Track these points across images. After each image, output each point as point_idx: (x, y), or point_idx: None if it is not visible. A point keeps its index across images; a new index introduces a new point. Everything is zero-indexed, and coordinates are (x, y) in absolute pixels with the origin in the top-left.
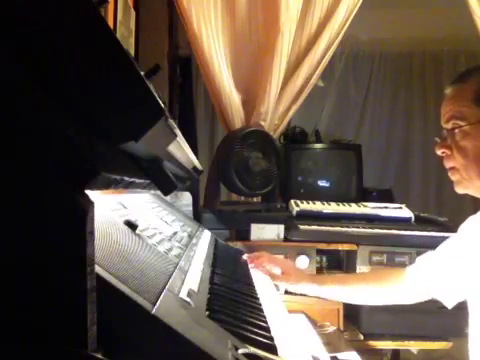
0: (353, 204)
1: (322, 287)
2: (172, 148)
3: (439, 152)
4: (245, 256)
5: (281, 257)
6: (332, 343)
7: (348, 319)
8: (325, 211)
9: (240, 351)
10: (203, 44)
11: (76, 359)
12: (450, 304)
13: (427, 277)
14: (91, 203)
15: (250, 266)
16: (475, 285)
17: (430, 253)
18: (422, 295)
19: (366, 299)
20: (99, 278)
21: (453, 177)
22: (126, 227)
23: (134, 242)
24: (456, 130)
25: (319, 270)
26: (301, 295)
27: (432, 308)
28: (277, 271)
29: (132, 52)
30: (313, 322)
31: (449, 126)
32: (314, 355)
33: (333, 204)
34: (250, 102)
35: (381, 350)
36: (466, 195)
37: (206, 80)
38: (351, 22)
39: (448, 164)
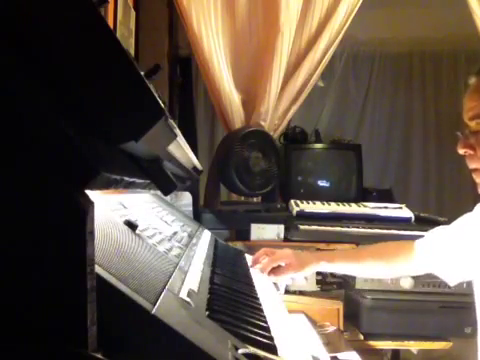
0: (353, 204)
1: (332, 264)
2: (172, 148)
3: (461, 151)
4: (248, 259)
5: (280, 251)
6: (332, 343)
7: (348, 319)
8: (325, 211)
9: (240, 351)
10: (203, 44)
11: (76, 359)
12: (452, 282)
13: (434, 253)
14: (91, 203)
15: (255, 268)
16: None
17: (440, 228)
18: (425, 269)
19: (376, 274)
20: (99, 278)
21: (477, 179)
22: (126, 227)
23: (134, 242)
24: None
25: (319, 271)
26: (301, 294)
27: (432, 308)
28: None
29: (132, 52)
30: (313, 322)
31: (473, 125)
32: (314, 355)
33: (333, 204)
34: (250, 102)
35: (381, 350)
36: (466, 195)
37: (206, 80)
38: (351, 22)
39: (471, 165)
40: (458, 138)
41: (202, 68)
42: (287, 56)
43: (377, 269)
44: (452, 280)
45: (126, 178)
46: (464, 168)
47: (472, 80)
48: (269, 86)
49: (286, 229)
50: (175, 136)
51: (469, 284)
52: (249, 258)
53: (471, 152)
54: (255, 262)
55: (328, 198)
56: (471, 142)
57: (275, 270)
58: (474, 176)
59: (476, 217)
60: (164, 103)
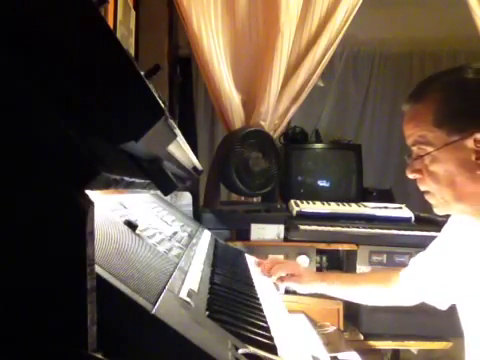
0: (353, 204)
1: (331, 287)
2: (172, 148)
3: (411, 176)
4: (254, 260)
5: (289, 261)
6: (332, 343)
7: (348, 319)
8: (325, 211)
9: (240, 351)
10: (203, 44)
11: (76, 359)
12: (443, 307)
13: (418, 281)
14: (91, 203)
15: (260, 271)
16: (464, 288)
17: (421, 255)
18: (415, 299)
19: (370, 300)
20: (99, 278)
21: (430, 200)
22: (126, 227)
23: (134, 242)
24: (425, 156)
25: (319, 270)
26: (301, 295)
27: (432, 308)
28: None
29: (132, 52)
30: (313, 322)
31: (416, 150)
32: (314, 355)
33: (333, 204)
34: (250, 102)
35: (381, 350)
36: None
37: (206, 80)
38: (351, 22)
39: (422, 188)
40: (407, 163)
41: (202, 68)
42: (287, 56)
43: (375, 293)
44: (443, 305)
45: (126, 178)
46: None
47: (405, 107)
48: (269, 86)
49: (286, 229)
50: (175, 136)
51: None
52: (249, 258)
53: (419, 176)
54: (263, 270)
55: (328, 198)
56: (418, 167)
57: (282, 278)
58: (427, 197)
59: (447, 239)
60: (164, 103)
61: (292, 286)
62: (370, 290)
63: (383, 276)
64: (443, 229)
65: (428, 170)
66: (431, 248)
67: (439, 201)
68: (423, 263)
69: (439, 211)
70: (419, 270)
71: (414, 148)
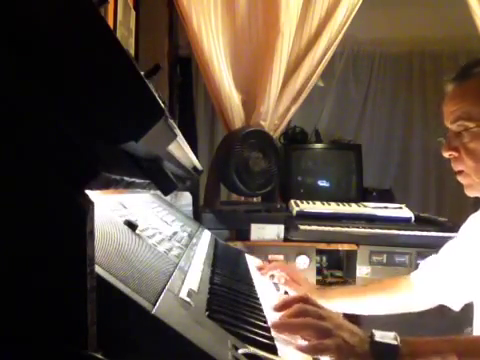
0: (353, 204)
1: (330, 301)
2: (172, 148)
3: (446, 155)
4: (252, 259)
5: (292, 267)
6: None
7: (348, 319)
8: (325, 211)
9: (240, 351)
10: (203, 44)
11: (76, 359)
12: (457, 307)
13: (433, 283)
14: (91, 203)
15: (261, 273)
16: None
17: (433, 257)
18: (429, 302)
19: (374, 310)
20: (99, 278)
21: (463, 181)
22: (126, 227)
23: (134, 242)
24: (464, 132)
25: (319, 270)
26: None
27: (432, 308)
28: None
29: (132, 52)
30: None
31: (455, 127)
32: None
33: (333, 204)
34: (250, 102)
35: None
36: (466, 195)
37: (206, 80)
38: (351, 22)
39: (456, 167)
40: (441, 144)
41: (202, 68)
42: (287, 56)
43: (380, 303)
44: (457, 305)
45: (126, 178)
46: None
47: (449, 87)
48: (269, 86)
49: (286, 229)
50: (175, 136)
51: None
52: (249, 258)
53: (456, 154)
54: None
55: (328, 198)
56: (455, 145)
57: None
58: (459, 178)
59: (464, 238)
60: (164, 103)
61: (289, 291)
62: (371, 302)
63: (389, 284)
64: (461, 229)
65: (466, 147)
66: (446, 248)
67: (473, 181)
68: (438, 264)
69: (471, 192)
70: (434, 271)
71: (453, 126)
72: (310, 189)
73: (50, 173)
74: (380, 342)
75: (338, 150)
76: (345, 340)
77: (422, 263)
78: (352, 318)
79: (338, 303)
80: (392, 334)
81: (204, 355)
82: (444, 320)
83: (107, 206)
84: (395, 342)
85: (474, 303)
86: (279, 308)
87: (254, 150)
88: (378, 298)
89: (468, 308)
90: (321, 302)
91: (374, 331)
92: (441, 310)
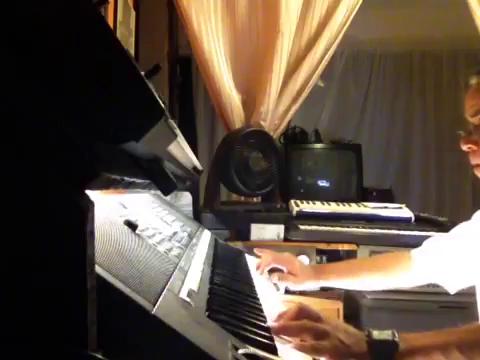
0: (353, 204)
1: (328, 281)
2: (172, 148)
3: (465, 148)
4: (252, 259)
5: (286, 255)
6: None
7: (348, 319)
8: (325, 211)
9: (240, 351)
10: (203, 44)
11: (76, 359)
12: (453, 290)
13: (434, 263)
14: (91, 203)
15: (259, 273)
16: None
17: (438, 237)
18: (425, 280)
19: (373, 286)
20: (99, 278)
21: None
22: (126, 227)
23: (134, 242)
24: None
25: None
26: (301, 294)
27: (432, 308)
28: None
29: (132, 52)
30: None
31: (476, 121)
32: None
33: (333, 204)
34: (250, 102)
35: None
36: (466, 195)
37: (206, 80)
38: (351, 22)
39: (474, 160)
40: (460, 137)
41: (202, 68)
42: (287, 56)
43: (374, 282)
44: (453, 288)
45: (126, 178)
46: (464, 168)
47: (474, 80)
48: (269, 86)
49: (286, 229)
50: (175, 136)
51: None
52: (249, 258)
53: (475, 148)
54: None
55: (328, 198)
56: (474, 138)
57: (276, 273)
58: (476, 172)
59: (475, 225)
60: (164, 103)
61: (287, 285)
62: (370, 278)
63: (388, 262)
64: (475, 214)
65: None
66: (457, 230)
67: None
68: (444, 244)
69: None
70: (437, 249)
71: (474, 119)
72: (310, 189)
73: (50, 173)
74: (378, 340)
75: (338, 150)
76: (342, 341)
77: (426, 242)
78: (352, 321)
79: (334, 283)
80: (390, 331)
81: (204, 355)
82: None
83: (107, 206)
84: (393, 338)
85: (477, 289)
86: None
87: (254, 150)
88: (373, 278)
89: (468, 309)
90: (319, 283)
91: (371, 330)
92: (441, 310)
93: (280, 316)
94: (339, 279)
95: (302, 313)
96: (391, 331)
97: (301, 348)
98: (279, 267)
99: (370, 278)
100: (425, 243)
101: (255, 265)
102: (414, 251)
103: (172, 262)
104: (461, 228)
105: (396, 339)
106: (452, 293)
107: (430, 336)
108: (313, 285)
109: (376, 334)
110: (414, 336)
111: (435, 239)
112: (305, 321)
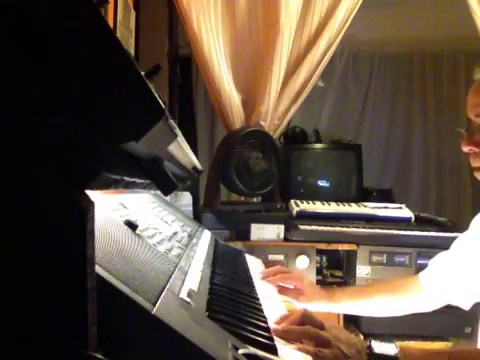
0: (353, 204)
1: (338, 304)
2: (172, 148)
3: (466, 149)
4: (259, 271)
5: (296, 273)
6: None
7: (348, 319)
8: (325, 211)
9: (240, 351)
10: (203, 44)
11: (76, 359)
12: (468, 306)
13: (443, 283)
14: (91, 203)
15: (262, 279)
16: None
17: (442, 255)
18: (439, 302)
19: (384, 312)
20: (99, 278)
21: None
22: (126, 227)
23: (134, 242)
24: None
25: (319, 270)
26: None
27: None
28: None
29: (132, 52)
30: None
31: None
32: None
33: (333, 204)
34: (250, 102)
35: None
36: (466, 195)
37: (206, 80)
38: (351, 22)
39: (475, 163)
40: (461, 136)
41: (202, 68)
42: (287, 56)
43: (388, 303)
44: (467, 304)
45: (126, 178)
46: (464, 168)
47: (477, 76)
48: (269, 86)
49: (286, 229)
50: (175, 136)
51: None
52: (249, 258)
53: (476, 150)
54: (266, 275)
55: (328, 198)
56: (476, 139)
57: (283, 289)
58: (477, 174)
59: (474, 235)
60: (164, 103)
61: (292, 302)
62: (380, 303)
63: (398, 285)
64: (471, 224)
65: None
66: (457, 244)
67: None
68: (448, 261)
69: None
70: (444, 270)
71: (478, 120)
72: (310, 189)
73: (50, 173)
74: (379, 354)
75: (338, 150)
76: (343, 351)
77: (431, 262)
78: (351, 322)
79: (346, 306)
80: (391, 345)
81: (204, 355)
82: (444, 320)
83: (107, 206)
84: (394, 354)
85: None
86: (279, 323)
87: (254, 150)
88: (387, 300)
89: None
90: (329, 305)
91: (373, 342)
92: (441, 310)
93: (283, 319)
94: (351, 300)
95: (306, 319)
96: (393, 344)
97: (304, 351)
98: (287, 286)
99: (383, 299)
100: (430, 263)
101: (262, 273)
102: (422, 274)
103: (172, 262)
104: (462, 241)
105: (398, 355)
106: (467, 309)
107: (432, 355)
108: (323, 306)
109: (377, 347)
110: (416, 354)
111: (439, 258)
112: (308, 327)
